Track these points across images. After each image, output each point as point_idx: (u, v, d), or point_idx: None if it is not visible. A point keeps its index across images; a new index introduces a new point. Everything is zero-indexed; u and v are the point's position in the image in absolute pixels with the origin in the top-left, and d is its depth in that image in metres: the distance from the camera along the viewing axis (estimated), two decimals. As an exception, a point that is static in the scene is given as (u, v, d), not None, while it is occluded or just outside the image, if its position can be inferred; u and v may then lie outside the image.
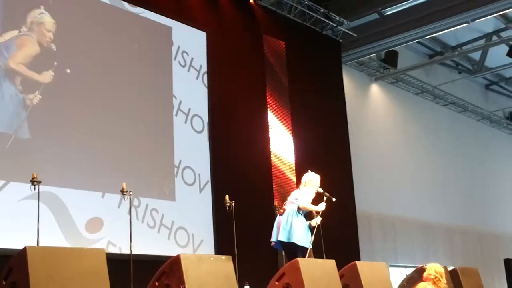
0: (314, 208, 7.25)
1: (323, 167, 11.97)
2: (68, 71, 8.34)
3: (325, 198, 7.39)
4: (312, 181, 7.43)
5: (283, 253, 7.47)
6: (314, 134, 12.01)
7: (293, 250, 7.06)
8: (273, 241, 7.21)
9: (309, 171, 7.57)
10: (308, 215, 7.29)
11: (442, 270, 6.79)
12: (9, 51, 7.74)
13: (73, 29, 8.58)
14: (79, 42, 8.60)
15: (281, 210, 7.30)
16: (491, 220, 18.94)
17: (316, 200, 7.38)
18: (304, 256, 6.95)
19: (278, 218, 7.29)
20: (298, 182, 11.22)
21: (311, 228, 7.26)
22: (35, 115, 7.86)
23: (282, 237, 7.06)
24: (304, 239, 7.09)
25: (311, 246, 7.15)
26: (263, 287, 6.60)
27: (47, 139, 7.95)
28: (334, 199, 7.47)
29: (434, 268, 6.80)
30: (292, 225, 7.07)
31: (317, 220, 7.27)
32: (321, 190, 7.48)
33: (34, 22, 8.04)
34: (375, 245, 14.45)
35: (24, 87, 7.83)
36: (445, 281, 6.80)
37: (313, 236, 7.24)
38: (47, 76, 8.08)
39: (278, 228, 7.14)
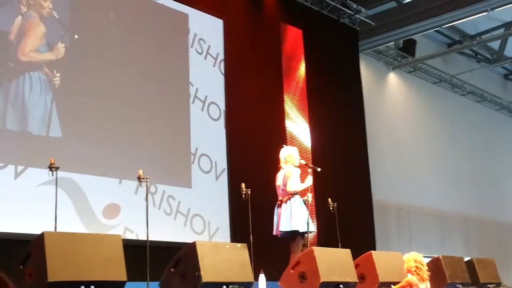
0: (303, 186, 7.08)
1: (339, 156, 12.03)
2: (76, 36, 8.31)
3: (310, 170, 7.26)
4: (291, 155, 7.16)
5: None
6: (331, 123, 11.98)
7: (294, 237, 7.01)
8: (277, 233, 7.10)
9: (284, 145, 7.32)
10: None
11: (421, 258, 6.66)
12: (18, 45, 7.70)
13: (87, 20, 8.60)
14: (95, 30, 8.62)
15: (278, 202, 7.17)
16: (508, 211, 18.80)
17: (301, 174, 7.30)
18: (304, 241, 6.92)
19: (276, 210, 7.17)
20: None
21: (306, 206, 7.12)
22: (56, 100, 7.91)
23: (284, 227, 6.97)
24: (301, 224, 6.95)
25: (311, 230, 7.05)
26: (278, 275, 6.62)
27: (66, 125, 7.99)
28: (319, 169, 7.32)
29: (413, 258, 6.69)
30: (289, 213, 6.96)
31: (308, 198, 7.10)
32: (303, 162, 7.27)
33: None
34: (391, 234, 14.42)
35: (44, 72, 7.88)
36: (427, 268, 6.69)
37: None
38: (59, 51, 8.09)
39: (279, 219, 7.05)
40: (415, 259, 6.64)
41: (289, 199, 7.01)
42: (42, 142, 7.71)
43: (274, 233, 7.18)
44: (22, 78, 7.68)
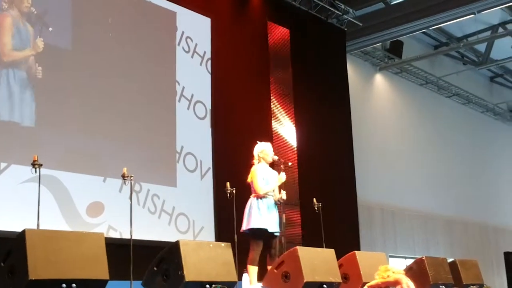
0: (272, 185, 6.82)
1: (325, 156, 12.04)
2: (51, 29, 8.27)
3: (282, 166, 7.14)
4: (264, 151, 6.95)
5: (283, 240, 7.34)
6: (317, 123, 11.99)
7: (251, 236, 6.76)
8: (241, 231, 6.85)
9: (257, 142, 7.08)
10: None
11: (386, 266, 6.56)
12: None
13: (71, 12, 8.54)
14: (80, 25, 8.57)
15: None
16: (492, 213, 18.94)
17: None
18: (270, 241, 6.76)
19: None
20: (300, 170, 11.27)
21: (279, 204, 6.90)
22: (39, 96, 7.85)
23: (243, 227, 6.75)
24: (260, 221, 6.66)
25: (272, 230, 6.72)
26: (262, 275, 6.61)
27: (49, 122, 7.94)
28: (290, 163, 7.24)
29: (383, 268, 6.53)
30: (249, 212, 6.72)
31: (282, 195, 6.88)
32: (276, 158, 7.08)
33: None
34: (375, 235, 14.46)
35: (27, 67, 7.82)
36: (395, 270, 6.58)
37: (284, 214, 6.94)
38: (38, 45, 7.99)
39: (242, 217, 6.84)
40: (386, 269, 6.51)
41: (254, 197, 6.80)
42: (26, 139, 7.64)
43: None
44: (5, 73, 7.61)
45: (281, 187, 7.01)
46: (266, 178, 6.84)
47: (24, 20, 7.91)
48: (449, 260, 8.81)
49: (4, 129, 7.49)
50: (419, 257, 8.23)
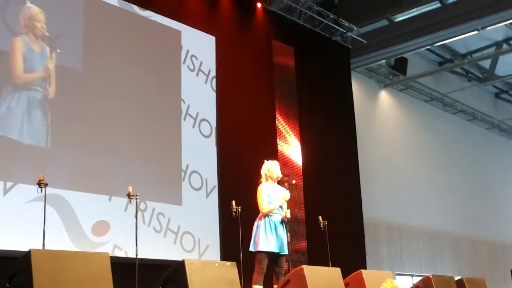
0: (276, 204, 6.79)
1: (330, 174, 12.02)
2: (58, 50, 8.34)
3: (286, 184, 7.06)
4: (271, 169, 6.96)
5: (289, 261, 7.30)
6: (322, 140, 11.99)
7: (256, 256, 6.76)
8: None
9: (265, 161, 7.08)
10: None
11: (398, 284, 6.44)
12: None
13: (82, 33, 8.59)
14: (88, 44, 8.62)
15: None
16: (499, 230, 18.83)
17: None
18: (277, 261, 6.77)
19: None
20: (306, 188, 11.26)
21: (285, 223, 6.88)
22: (47, 115, 7.88)
23: (250, 247, 6.76)
24: (266, 243, 6.65)
25: (279, 251, 6.71)
26: (268, 294, 6.58)
27: (56, 142, 7.96)
28: (294, 181, 7.25)
29: (390, 285, 6.45)
30: (255, 233, 6.75)
31: (286, 214, 6.85)
32: (280, 176, 7.04)
33: (26, 17, 7.94)
34: (382, 253, 14.39)
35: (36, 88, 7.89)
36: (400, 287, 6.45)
37: (288, 233, 6.87)
38: (48, 68, 8.08)
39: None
40: (392, 285, 6.42)
41: (259, 218, 6.84)
42: (32, 158, 7.66)
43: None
44: (17, 95, 7.69)
45: (288, 205, 6.99)
46: (271, 196, 6.83)
47: (36, 43, 8.00)
48: (456, 278, 8.75)
49: (11, 148, 7.51)
50: (426, 275, 8.17)
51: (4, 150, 7.43)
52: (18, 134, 7.60)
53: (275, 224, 6.76)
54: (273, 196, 6.85)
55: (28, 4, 7.91)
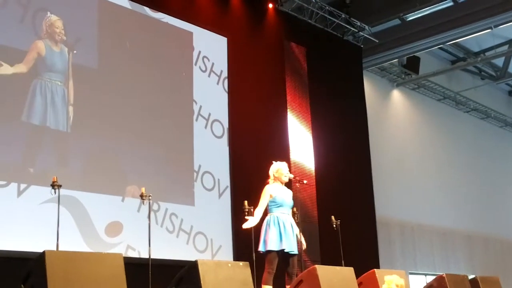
0: (256, 222, 6.73)
1: (343, 173, 12.01)
2: (75, 51, 8.40)
3: (298, 185, 7.07)
4: (280, 170, 6.91)
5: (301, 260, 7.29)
6: (335, 140, 11.98)
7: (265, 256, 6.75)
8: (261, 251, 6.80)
9: (273, 162, 7.06)
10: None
11: (402, 282, 6.41)
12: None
13: (96, 35, 8.65)
14: (102, 46, 8.67)
15: None
16: (513, 228, 18.73)
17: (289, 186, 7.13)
18: (288, 260, 6.72)
19: None
20: (318, 187, 11.26)
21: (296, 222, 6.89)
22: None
23: (260, 247, 6.73)
24: (275, 242, 6.62)
25: (289, 250, 6.65)
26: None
27: (69, 143, 8.02)
28: (305, 181, 7.28)
29: (394, 282, 6.44)
30: (264, 234, 6.71)
31: (303, 245, 6.85)
32: (292, 176, 7.04)
33: (47, 25, 8.21)
34: (395, 252, 14.36)
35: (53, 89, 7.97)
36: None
37: (300, 234, 6.87)
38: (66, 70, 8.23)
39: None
40: (396, 284, 6.40)
41: (270, 215, 6.79)
42: (46, 159, 7.72)
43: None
44: (33, 95, 7.81)
45: (297, 205, 6.99)
46: (277, 197, 6.78)
47: (56, 45, 8.18)
48: (470, 277, 8.72)
49: (25, 150, 7.57)
50: (440, 274, 8.15)
51: (18, 152, 7.49)
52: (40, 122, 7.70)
53: (283, 224, 6.72)
54: (279, 197, 6.82)
55: (49, 14, 8.20)
